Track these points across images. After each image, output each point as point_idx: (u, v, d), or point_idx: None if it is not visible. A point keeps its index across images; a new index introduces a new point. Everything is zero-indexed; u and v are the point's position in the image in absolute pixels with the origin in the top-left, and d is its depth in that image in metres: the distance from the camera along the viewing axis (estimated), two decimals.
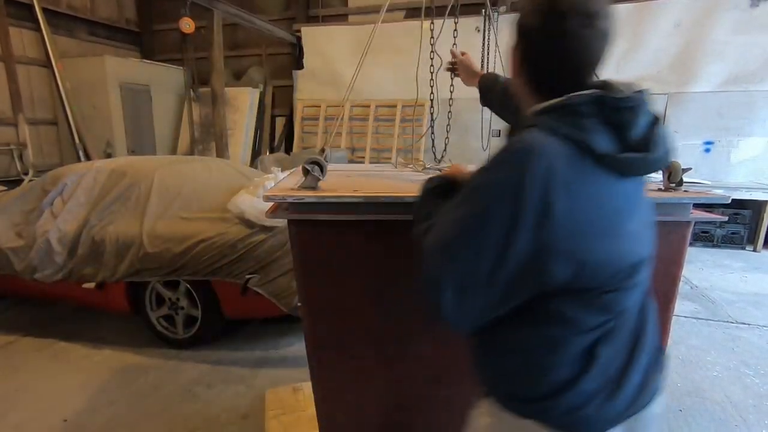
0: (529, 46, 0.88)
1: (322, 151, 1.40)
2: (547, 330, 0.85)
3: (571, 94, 0.83)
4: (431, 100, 1.91)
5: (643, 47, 5.96)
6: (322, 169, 1.26)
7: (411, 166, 1.97)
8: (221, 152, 6.16)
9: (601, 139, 0.81)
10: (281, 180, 1.62)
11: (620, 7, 5.95)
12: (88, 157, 6.26)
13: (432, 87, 1.88)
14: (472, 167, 1.07)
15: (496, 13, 6.32)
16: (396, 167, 2.00)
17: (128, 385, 2.67)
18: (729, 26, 5.66)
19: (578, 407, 0.85)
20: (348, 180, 1.48)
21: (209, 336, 3.08)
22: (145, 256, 2.75)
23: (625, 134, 0.82)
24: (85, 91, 6.70)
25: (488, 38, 1.98)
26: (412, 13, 6.97)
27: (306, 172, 1.26)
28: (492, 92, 1.45)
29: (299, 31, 7.65)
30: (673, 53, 5.87)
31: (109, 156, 6.57)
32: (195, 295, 2.92)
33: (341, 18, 7.81)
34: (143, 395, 2.57)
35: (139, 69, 7.44)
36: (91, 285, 2.98)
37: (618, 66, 5.85)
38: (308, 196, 1.20)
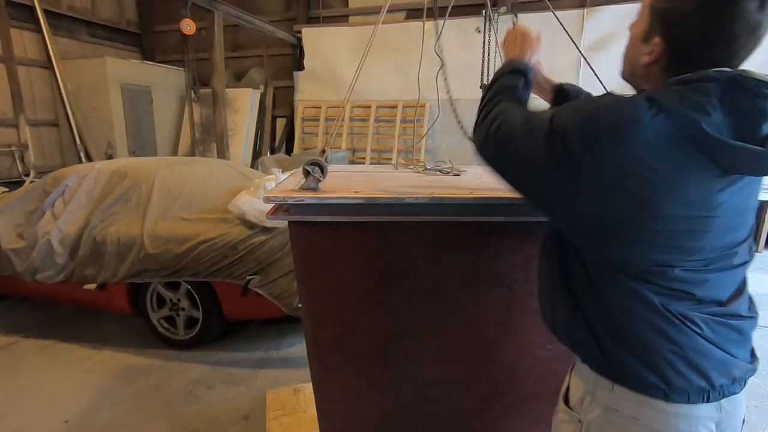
0: (687, 31, 0.78)
1: (323, 152, 1.39)
2: (639, 286, 0.82)
3: (709, 70, 0.74)
4: (436, 101, 1.90)
5: None
6: (322, 170, 1.26)
7: (411, 167, 1.97)
8: (222, 153, 6.17)
9: (718, 124, 0.72)
10: (282, 181, 1.62)
11: (621, 8, 5.95)
12: (89, 159, 6.28)
13: (437, 88, 1.87)
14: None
15: (496, 14, 6.33)
16: (396, 168, 2.00)
17: (129, 386, 2.67)
18: None
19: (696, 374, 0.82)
20: (348, 181, 1.48)
21: (210, 337, 3.08)
22: (146, 257, 2.75)
23: (754, 124, 0.73)
24: (86, 93, 6.72)
25: (488, 39, 1.97)
26: (413, 13, 6.98)
27: (306, 173, 1.25)
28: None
29: (300, 32, 7.67)
30: None
31: (110, 157, 6.58)
32: (196, 296, 2.92)
33: (342, 19, 7.83)
34: (144, 396, 2.57)
35: (140, 70, 7.46)
36: (93, 286, 2.98)
37: (619, 65, 5.83)
38: (309, 197, 1.20)
